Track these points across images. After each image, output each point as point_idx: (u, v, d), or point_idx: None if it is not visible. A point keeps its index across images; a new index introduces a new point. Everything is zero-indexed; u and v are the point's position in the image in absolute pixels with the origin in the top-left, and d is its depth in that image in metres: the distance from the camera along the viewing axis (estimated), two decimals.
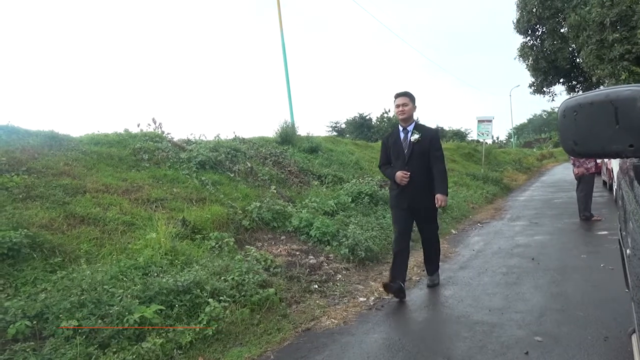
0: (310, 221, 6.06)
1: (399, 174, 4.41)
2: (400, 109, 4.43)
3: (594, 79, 16.57)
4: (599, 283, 4.45)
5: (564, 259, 5.51)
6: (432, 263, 4.79)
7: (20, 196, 4.53)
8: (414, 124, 4.50)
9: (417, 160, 4.39)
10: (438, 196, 4.34)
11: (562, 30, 18.78)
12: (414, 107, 4.49)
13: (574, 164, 8.26)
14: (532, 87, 22.57)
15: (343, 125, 32.35)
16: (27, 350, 2.89)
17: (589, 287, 4.37)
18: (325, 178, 8.80)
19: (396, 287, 4.29)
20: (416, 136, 4.39)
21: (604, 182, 12.75)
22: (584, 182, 8.03)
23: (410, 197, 4.41)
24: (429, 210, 4.48)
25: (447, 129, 36.38)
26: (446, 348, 3.22)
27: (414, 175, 4.37)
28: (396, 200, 4.53)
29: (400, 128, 4.54)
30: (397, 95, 4.47)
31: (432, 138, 4.46)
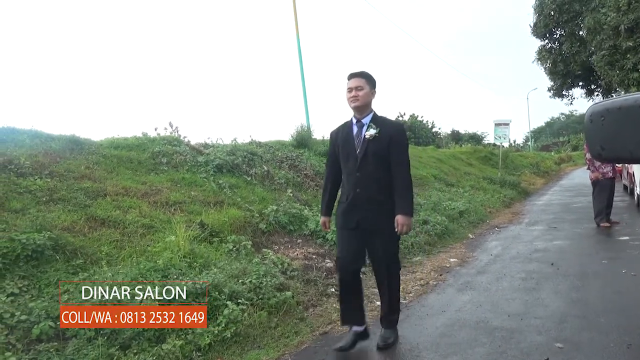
0: None
1: (323, 221, 3.57)
2: (353, 93, 3.26)
3: (603, 83, 16.38)
4: (621, 289, 4.38)
5: (584, 265, 5.44)
6: (388, 313, 3.44)
7: (44, 199, 4.62)
8: (371, 115, 3.32)
9: (373, 163, 3.23)
10: (399, 218, 3.16)
11: (580, 33, 18.58)
12: (373, 93, 3.36)
13: (589, 169, 8.15)
14: (552, 91, 22.37)
15: None
16: (51, 350, 2.95)
17: (611, 293, 4.30)
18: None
19: (349, 338, 3.32)
20: (372, 131, 3.24)
21: (625, 187, 12.54)
22: (600, 187, 7.91)
23: (362, 213, 3.23)
24: (385, 234, 3.25)
25: (463, 132, 36.14)
26: (465, 354, 3.20)
27: (368, 184, 3.24)
28: (343, 216, 3.34)
29: (354, 120, 3.36)
30: (351, 76, 3.34)
31: (393, 135, 3.26)
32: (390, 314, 3.44)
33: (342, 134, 3.40)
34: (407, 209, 3.20)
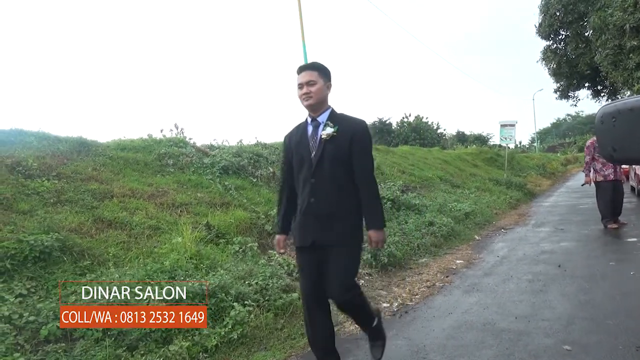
0: None
1: (277, 239, 3.05)
2: (305, 89, 2.78)
3: (608, 83, 16.35)
4: (629, 291, 4.35)
5: (592, 266, 5.40)
6: (364, 332, 3.11)
7: (51, 200, 4.65)
8: (328, 112, 2.84)
9: (330, 167, 2.74)
10: (371, 234, 2.77)
11: (586, 34, 18.51)
12: (328, 87, 2.87)
13: (583, 171, 8.15)
14: (558, 92, 22.30)
15: None
16: (59, 351, 2.97)
17: (619, 295, 4.27)
18: None
19: None
20: (329, 130, 2.75)
21: (632, 188, 12.46)
22: (602, 190, 7.87)
23: (318, 227, 2.74)
24: (343, 252, 2.72)
25: (469, 133, 36.06)
26: (472, 356, 3.18)
27: (325, 192, 2.74)
28: (297, 232, 2.87)
29: (309, 120, 2.88)
30: (300, 70, 2.86)
31: (355, 135, 2.77)
32: (368, 331, 3.06)
33: (296, 136, 2.92)
34: (379, 222, 2.79)
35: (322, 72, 2.85)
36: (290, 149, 2.93)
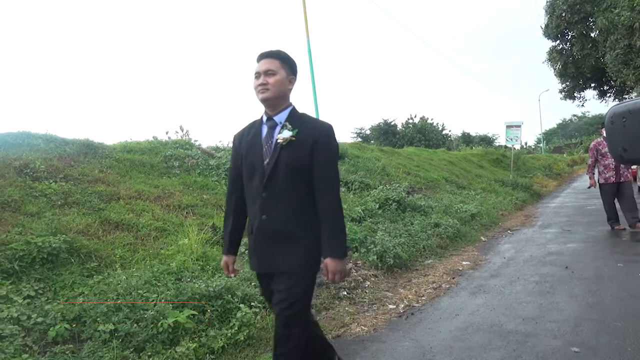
0: None
1: (224, 262, 2.56)
2: (261, 80, 2.30)
3: (614, 82, 16.34)
4: (638, 292, 4.32)
5: (600, 268, 5.37)
6: None
7: (59, 203, 4.68)
8: (287, 111, 2.37)
9: (285, 179, 2.26)
10: (328, 264, 2.25)
11: (592, 35, 18.46)
12: (291, 80, 2.40)
13: (587, 174, 8.21)
14: (563, 93, 22.22)
15: (368, 132, 32.33)
16: (67, 352, 2.98)
17: (627, 296, 4.24)
18: (352, 184, 8.80)
19: None
20: (287, 134, 2.28)
21: None
22: (604, 192, 7.88)
23: (272, 252, 2.31)
24: (294, 278, 2.26)
25: (474, 134, 35.99)
26: (479, 358, 3.17)
27: (278, 209, 2.27)
28: (252, 257, 2.44)
29: (264, 118, 2.40)
30: (260, 57, 2.37)
31: (318, 140, 2.29)
32: None
33: (247, 137, 2.43)
34: (338, 249, 2.28)
35: (286, 62, 2.38)
36: (239, 153, 2.45)
